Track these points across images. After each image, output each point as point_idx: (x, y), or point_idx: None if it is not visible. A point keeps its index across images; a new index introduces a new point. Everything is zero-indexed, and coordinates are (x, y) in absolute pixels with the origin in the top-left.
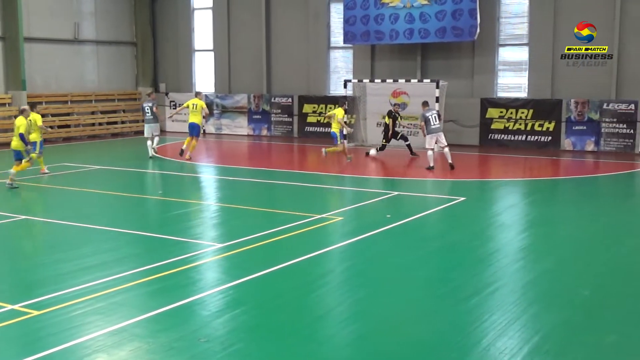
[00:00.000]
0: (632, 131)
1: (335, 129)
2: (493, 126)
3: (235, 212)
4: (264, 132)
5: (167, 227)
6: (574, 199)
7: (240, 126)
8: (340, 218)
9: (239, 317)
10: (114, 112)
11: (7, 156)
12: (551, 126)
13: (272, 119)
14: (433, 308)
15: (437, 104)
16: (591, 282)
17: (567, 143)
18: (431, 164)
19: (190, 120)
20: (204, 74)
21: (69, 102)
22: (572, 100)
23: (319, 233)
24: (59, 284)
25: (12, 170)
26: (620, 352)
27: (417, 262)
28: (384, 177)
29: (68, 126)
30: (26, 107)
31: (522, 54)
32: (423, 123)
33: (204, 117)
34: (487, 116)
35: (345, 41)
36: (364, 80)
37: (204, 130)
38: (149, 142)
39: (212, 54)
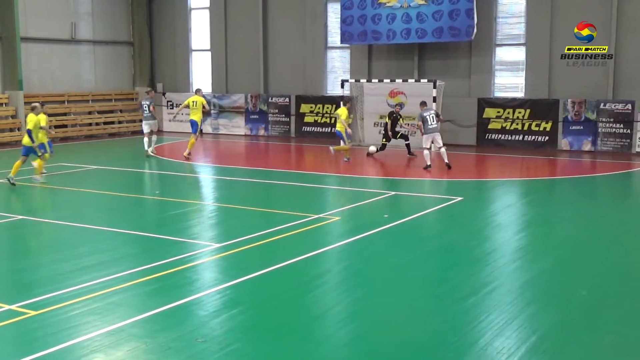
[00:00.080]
0: (629, 131)
1: (340, 128)
2: (490, 126)
3: (233, 212)
4: (262, 132)
5: (164, 227)
6: (571, 198)
7: (238, 126)
8: (337, 218)
9: (237, 317)
10: (111, 112)
11: (5, 155)
12: (548, 126)
13: (270, 118)
14: (430, 308)
15: (434, 104)
16: (589, 282)
17: (564, 143)
18: (428, 163)
19: (190, 118)
20: (201, 74)
21: (66, 102)
22: (569, 100)
23: (317, 233)
24: (56, 284)
25: (35, 164)
26: (619, 352)
27: (415, 262)
28: (381, 177)
29: (65, 126)
30: (37, 104)
31: (519, 54)
32: (420, 122)
33: (205, 113)
34: (484, 116)
35: (342, 41)
36: (361, 80)
37: (200, 130)
38: (145, 139)
39: (209, 53)
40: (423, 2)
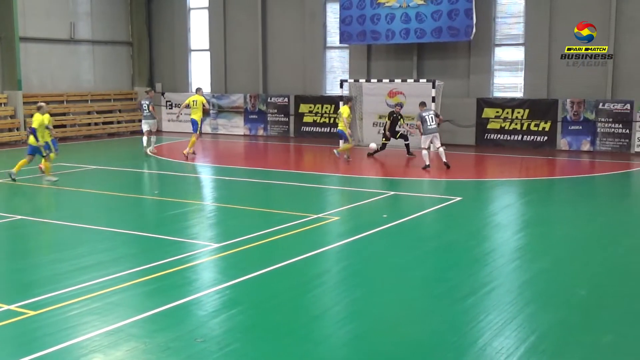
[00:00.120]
0: (627, 131)
1: (342, 127)
2: (489, 126)
3: (232, 212)
4: (260, 132)
5: (163, 227)
6: (570, 198)
7: (237, 126)
8: (336, 218)
9: (236, 317)
10: (110, 112)
11: (4, 155)
12: (547, 126)
13: (269, 118)
14: (429, 308)
15: (433, 104)
16: (588, 281)
17: (563, 143)
18: (427, 163)
19: (190, 117)
20: (200, 74)
21: (65, 102)
22: (568, 100)
23: (316, 233)
24: (55, 284)
25: (42, 166)
26: (617, 352)
27: (414, 261)
28: (380, 177)
29: (64, 126)
30: (43, 104)
31: (518, 54)
32: (419, 122)
33: (205, 112)
34: (483, 116)
35: (341, 41)
36: (360, 80)
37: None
38: (144, 138)
39: (208, 53)
40: (422, 2)
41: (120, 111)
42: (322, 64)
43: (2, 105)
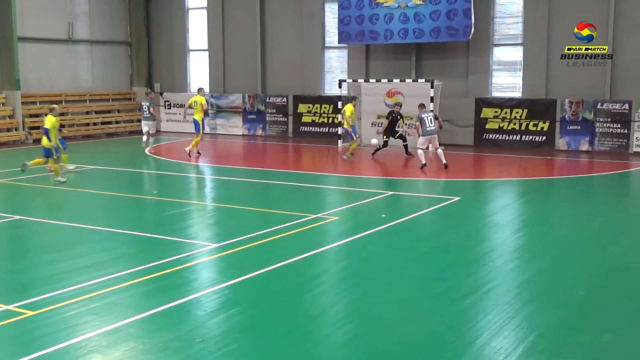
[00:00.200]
0: (626, 131)
1: (346, 126)
2: (488, 126)
3: (230, 212)
4: (259, 132)
5: (162, 227)
6: (568, 198)
7: (235, 126)
8: (335, 218)
9: (234, 317)
10: (109, 112)
11: (3, 155)
12: (545, 126)
13: (267, 118)
14: (428, 308)
15: (431, 104)
16: (586, 281)
17: (561, 143)
18: (423, 162)
19: (193, 117)
20: (199, 74)
21: (63, 102)
22: (567, 100)
23: (314, 233)
24: (54, 284)
25: (52, 168)
26: (616, 352)
27: (412, 261)
28: (379, 177)
29: (62, 126)
30: (55, 106)
31: (516, 54)
32: (418, 123)
33: (204, 113)
34: (482, 116)
35: (340, 41)
36: (359, 80)
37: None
38: (144, 137)
39: (206, 53)
40: (420, 2)
41: (118, 111)
42: (320, 64)
43: (1, 105)
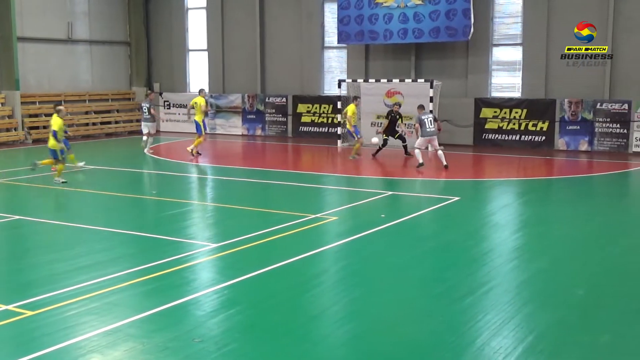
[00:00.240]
0: (625, 131)
1: (348, 126)
2: (487, 126)
3: (230, 212)
4: (258, 132)
5: (161, 227)
6: (568, 198)
7: (235, 126)
8: (335, 218)
9: (234, 317)
10: (108, 112)
11: (2, 155)
12: (545, 126)
13: (267, 118)
14: (427, 308)
15: (431, 104)
16: (586, 281)
17: (560, 143)
18: (420, 161)
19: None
20: (198, 74)
21: (63, 102)
22: (566, 100)
23: (314, 233)
24: (53, 284)
25: (56, 168)
26: (615, 352)
27: (412, 261)
28: (378, 177)
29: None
30: (62, 107)
31: (515, 54)
32: (418, 124)
33: (204, 113)
34: (481, 116)
35: (339, 41)
36: (358, 80)
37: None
38: (144, 137)
39: (206, 53)
40: (420, 2)
41: (118, 111)
42: (320, 64)
43: (0, 105)
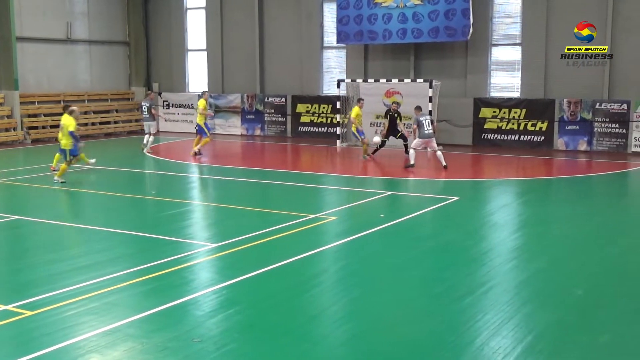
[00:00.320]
0: (624, 131)
1: (353, 128)
2: (486, 126)
3: (229, 212)
4: (258, 132)
5: (160, 227)
6: (567, 198)
7: (234, 126)
8: (334, 218)
9: (233, 317)
10: (107, 112)
11: (2, 155)
12: (544, 126)
13: (266, 118)
14: (427, 308)
15: (430, 104)
16: (585, 281)
17: (559, 143)
18: (412, 162)
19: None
20: (197, 74)
21: (62, 102)
22: (565, 100)
23: (313, 233)
24: (52, 284)
25: (62, 165)
26: (614, 352)
27: (411, 261)
28: (377, 177)
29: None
30: (75, 107)
31: (515, 54)
32: (416, 126)
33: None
34: (480, 116)
35: (338, 41)
36: (357, 80)
37: (196, 130)
38: (145, 137)
39: (205, 53)
40: (419, 2)
41: (117, 111)
42: (319, 64)
43: None
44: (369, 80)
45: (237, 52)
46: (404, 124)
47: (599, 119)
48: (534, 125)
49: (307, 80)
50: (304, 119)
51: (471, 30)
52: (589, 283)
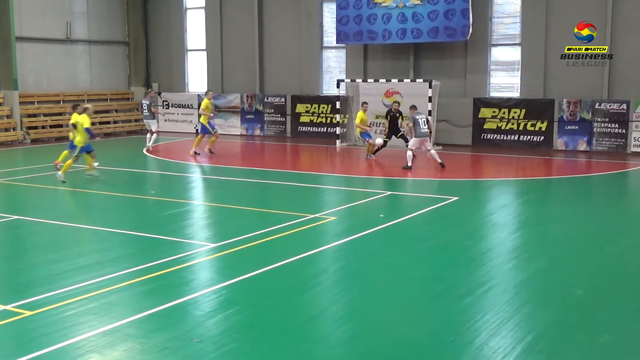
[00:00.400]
0: (624, 131)
1: (358, 133)
2: (486, 126)
3: (229, 212)
4: (257, 132)
5: (160, 227)
6: (566, 198)
7: (234, 126)
8: (333, 218)
9: (232, 317)
10: (107, 112)
11: (2, 155)
12: (543, 126)
13: (265, 118)
14: (426, 308)
15: (430, 104)
16: (584, 281)
17: (559, 143)
18: (409, 164)
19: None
20: (197, 74)
21: (61, 102)
22: (565, 100)
23: (313, 233)
24: (52, 284)
25: (67, 163)
26: (613, 352)
27: (411, 261)
28: (377, 177)
29: (60, 126)
30: (89, 105)
31: (514, 54)
32: (412, 124)
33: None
34: (480, 116)
35: (338, 41)
36: (357, 80)
37: (196, 130)
38: (148, 135)
39: (204, 53)
40: (419, 2)
41: (116, 111)
42: (318, 64)
43: None
44: (369, 80)
45: (237, 52)
46: (407, 124)
47: (599, 119)
48: (533, 125)
49: (307, 80)
50: (303, 119)
51: (471, 30)
52: (589, 283)
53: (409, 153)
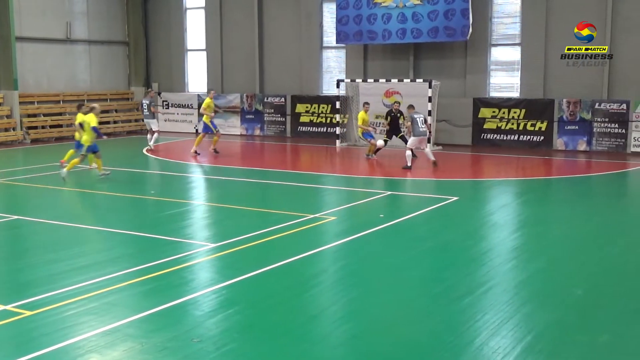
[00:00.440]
0: (623, 131)
1: (359, 133)
2: (485, 126)
3: (228, 212)
4: (257, 132)
5: (160, 227)
6: (566, 198)
7: (233, 126)
8: (333, 218)
9: (232, 317)
10: (106, 112)
11: (2, 155)
12: (543, 126)
13: (265, 118)
14: (426, 308)
15: (429, 104)
16: (584, 281)
17: (559, 143)
18: (408, 164)
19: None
20: (197, 74)
21: (61, 102)
22: (564, 100)
23: (312, 233)
24: (52, 284)
25: (73, 161)
26: (613, 352)
27: (410, 261)
28: (377, 177)
29: (60, 126)
30: (96, 105)
31: (514, 54)
32: (409, 123)
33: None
34: (480, 116)
35: (337, 41)
36: (357, 80)
37: (196, 130)
38: (148, 135)
39: (204, 53)
40: (418, 2)
41: (116, 111)
42: (318, 64)
43: None
44: (369, 80)
45: (237, 52)
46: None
47: (599, 119)
48: (533, 125)
49: (307, 80)
50: (303, 118)
51: (470, 30)
52: (589, 283)
53: (408, 153)
